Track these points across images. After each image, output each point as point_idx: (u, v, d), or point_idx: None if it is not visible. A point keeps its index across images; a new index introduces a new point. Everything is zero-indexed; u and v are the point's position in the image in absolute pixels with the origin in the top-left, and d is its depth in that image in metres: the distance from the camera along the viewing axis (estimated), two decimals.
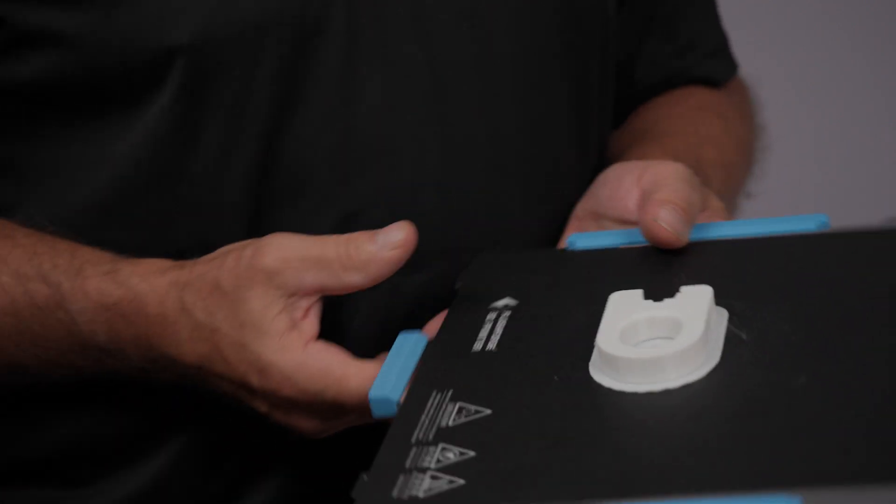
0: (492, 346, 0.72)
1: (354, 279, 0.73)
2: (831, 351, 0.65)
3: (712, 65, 1.02)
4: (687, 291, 0.69)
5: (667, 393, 0.64)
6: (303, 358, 0.73)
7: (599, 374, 0.67)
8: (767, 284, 0.72)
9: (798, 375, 0.63)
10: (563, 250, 0.81)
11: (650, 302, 0.70)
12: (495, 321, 0.74)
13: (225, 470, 0.84)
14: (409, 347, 0.73)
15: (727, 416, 0.62)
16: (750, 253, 0.75)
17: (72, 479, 0.86)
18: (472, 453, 0.63)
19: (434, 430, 0.65)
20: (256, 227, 0.80)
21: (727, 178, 0.95)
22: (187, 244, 0.80)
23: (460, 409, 0.66)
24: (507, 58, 0.85)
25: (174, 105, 0.78)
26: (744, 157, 0.99)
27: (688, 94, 1.01)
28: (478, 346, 0.72)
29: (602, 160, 0.95)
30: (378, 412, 0.70)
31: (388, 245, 0.72)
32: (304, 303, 0.74)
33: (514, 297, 0.75)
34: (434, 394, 0.68)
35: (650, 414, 0.63)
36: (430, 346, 0.73)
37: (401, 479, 0.62)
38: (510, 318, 0.74)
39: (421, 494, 0.61)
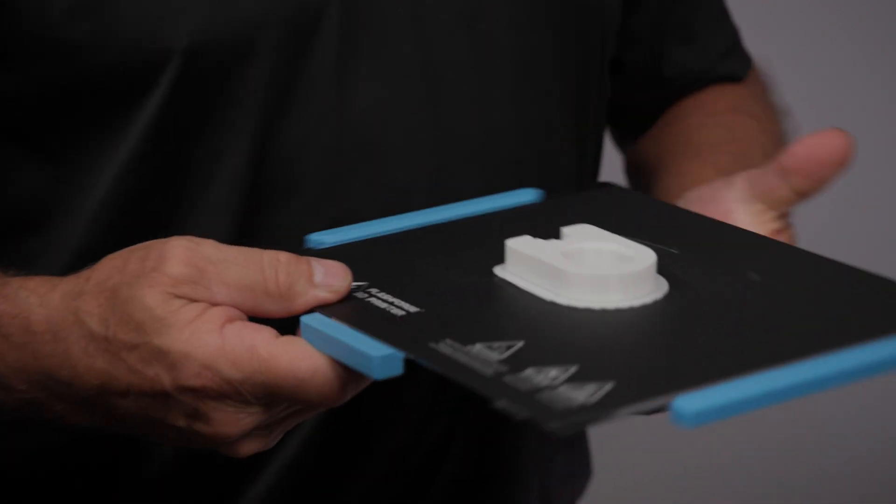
0: (404, 310, 0.67)
1: (273, 309, 0.66)
2: (751, 259, 0.70)
3: (731, 62, 1.02)
4: (574, 230, 0.71)
5: (645, 307, 0.66)
6: (220, 341, 0.64)
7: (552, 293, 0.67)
8: (634, 226, 0.74)
9: (749, 273, 0.68)
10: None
11: (557, 241, 0.71)
12: (375, 297, 0.69)
13: (219, 466, 0.84)
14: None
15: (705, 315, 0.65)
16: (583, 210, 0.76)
17: (67, 489, 0.85)
18: (574, 367, 0.60)
19: (497, 364, 0.62)
20: (249, 227, 0.80)
21: None
22: None
23: (487, 346, 0.63)
24: (504, 59, 0.84)
25: (169, 106, 0.78)
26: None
27: (716, 96, 1.01)
28: (396, 312, 0.68)
29: (599, 161, 0.95)
30: (384, 373, 0.63)
31: (326, 287, 0.67)
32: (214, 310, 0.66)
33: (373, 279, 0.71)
34: (433, 344, 0.64)
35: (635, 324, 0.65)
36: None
37: (544, 396, 0.59)
38: (395, 293, 0.69)
39: (583, 399, 0.58)
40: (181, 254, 0.65)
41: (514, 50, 0.85)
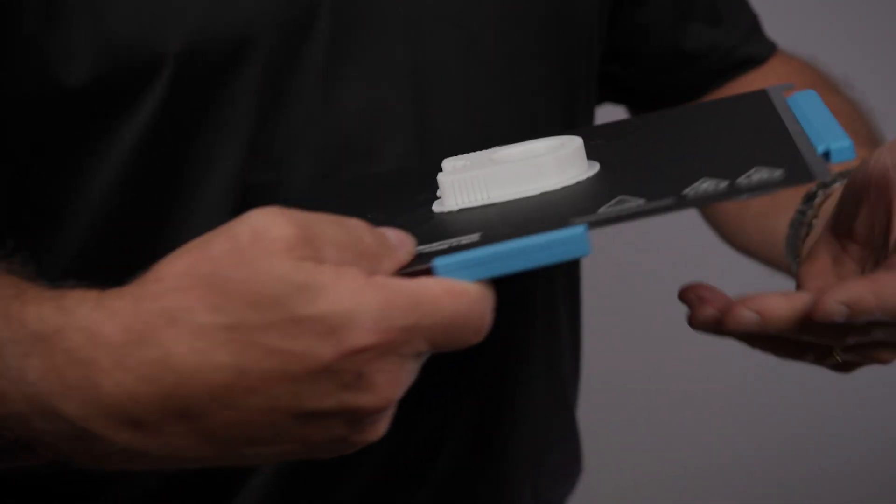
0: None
1: (385, 265, 0.60)
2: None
3: (759, 40, 1.02)
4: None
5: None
6: (385, 294, 0.58)
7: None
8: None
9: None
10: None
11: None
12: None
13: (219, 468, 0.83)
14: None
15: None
16: None
17: (66, 493, 0.85)
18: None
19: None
20: None
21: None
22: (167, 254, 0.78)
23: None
24: (492, 62, 0.84)
25: (163, 111, 0.78)
26: (872, 119, 0.96)
27: (793, 73, 0.99)
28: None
29: None
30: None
31: (403, 250, 0.61)
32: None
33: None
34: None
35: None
36: None
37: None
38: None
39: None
40: (278, 218, 0.58)
41: (503, 52, 0.84)
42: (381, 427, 0.60)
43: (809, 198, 0.80)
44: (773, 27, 1.05)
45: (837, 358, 0.70)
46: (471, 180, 0.68)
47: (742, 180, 0.61)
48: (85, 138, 0.79)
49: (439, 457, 0.87)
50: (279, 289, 0.57)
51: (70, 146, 0.79)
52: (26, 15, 0.76)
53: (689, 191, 0.61)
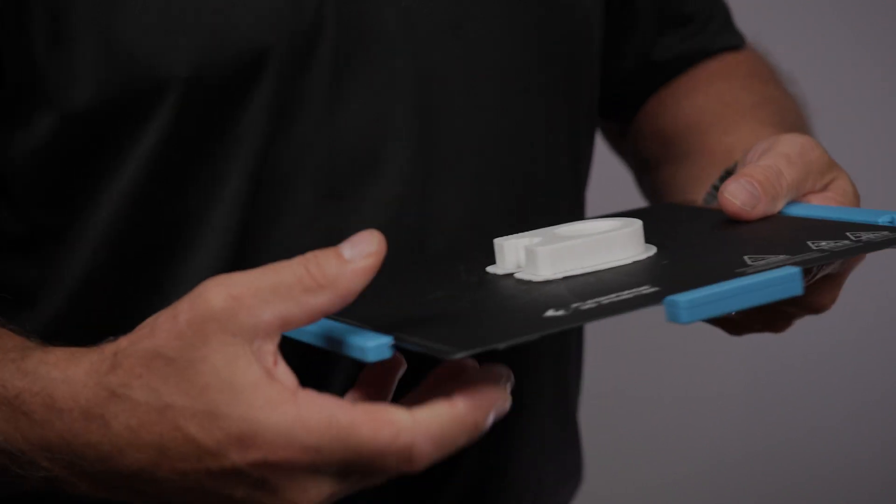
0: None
1: (321, 300, 0.61)
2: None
3: (727, 35, 1.03)
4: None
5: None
6: (297, 411, 0.60)
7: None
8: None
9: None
10: None
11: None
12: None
13: None
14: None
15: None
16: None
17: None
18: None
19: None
20: (242, 248, 0.80)
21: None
22: (175, 273, 0.79)
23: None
24: (495, 70, 0.84)
25: (170, 134, 0.77)
26: (806, 113, 1.00)
27: (732, 63, 1.02)
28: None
29: (591, 162, 0.95)
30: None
31: (360, 255, 0.62)
32: (270, 346, 0.61)
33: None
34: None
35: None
36: None
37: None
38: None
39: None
40: (215, 291, 0.61)
41: (504, 60, 0.84)
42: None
43: (725, 175, 0.86)
44: (773, 26, 1.05)
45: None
46: (569, 249, 0.70)
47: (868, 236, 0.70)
48: (91, 161, 0.79)
49: (439, 468, 0.86)
50: (208, 380, 0.60)
51: (75, 169, 0.79)
52: (32, 37, 0.76)
53: (860, 236, 0.69)
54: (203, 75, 0.76)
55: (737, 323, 0.80)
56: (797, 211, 0.77)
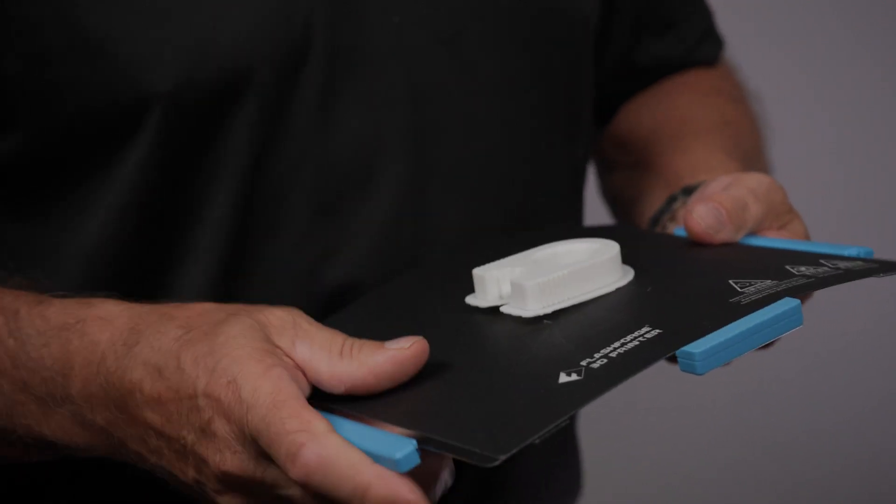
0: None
1: (347, 367, 0.65)
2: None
3: (706, 47, 1.02)
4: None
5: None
6: (260, 370, 0.64)
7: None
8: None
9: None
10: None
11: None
12: None
13: None
14: None
15: None
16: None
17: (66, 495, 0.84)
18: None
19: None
20: (236, 266, 0.79)
21: (765, 164, 0.97)
22: (164, 292, 0.79)
23: None
24: (490, 83, 0.83)
25: (155, 150, 0.76)
26: (763, 134, 1.01)
27: (698, 78, 1.02)
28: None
29: (586, 172, 0.95)
30: None
31: (396, 345, 0.65)
32: (280, 361, 0.66)
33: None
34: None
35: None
36: None
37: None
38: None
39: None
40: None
41: (498, 71, 0.83)
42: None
43: (670, 201, 0.86)
44: (771, 26, 1.04)
45: None
46: (556, 283, 0.68)
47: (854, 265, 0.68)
48: (76, 178, 0.78)
49: (455, 488, 0.86)
50: (219, 337, 0.65)
51: (60, 187, 0.78)
52: (9, 55, 0.75)
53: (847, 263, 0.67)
54: (184, 92, 0.75)
55: None
56: (758, 242, 0.77)
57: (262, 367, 0.63)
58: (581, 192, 0.95)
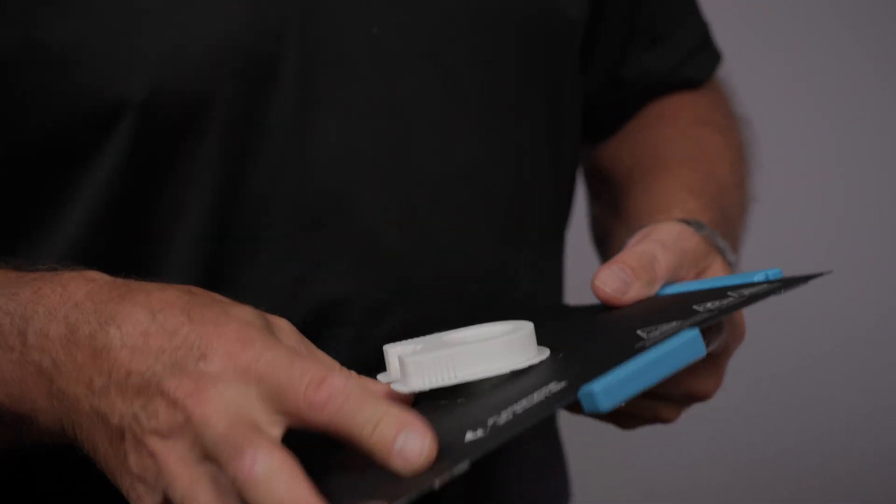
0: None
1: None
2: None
3: (696, 64, 1.01)
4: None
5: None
6: (264, 322, 0.65)
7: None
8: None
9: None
10: None
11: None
12: None
13: None
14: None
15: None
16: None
17: (65, 491, 0.82)
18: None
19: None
20: (213, 287, 0.76)
21: (741, 196, 0.96)
22: None
23: None
24: (472, 96, 0.82)
25: (126, 162, 0.76)
26: (747, 165, 1.00)
27: (678, 106, 1.00)
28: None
29: (574, 182, 0.94)
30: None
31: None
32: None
33: None
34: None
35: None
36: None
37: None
38: None
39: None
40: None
41: (480, 82, 0.82)
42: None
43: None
44: (771, 25, 1.04)
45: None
46: (443, 360, 0.67)
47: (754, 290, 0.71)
48: (45, 193, 0.77)
49: (441, 497, 0.85)
50: (216, 300, 0.64)
51: (33, 196, 0.77)
52: None
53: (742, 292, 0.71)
54: (156, 102, 0.74)
55: (627, 415, 0.80)
56: (674, 289, 0.77)
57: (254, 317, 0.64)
58: (570, 199, 0.94)
